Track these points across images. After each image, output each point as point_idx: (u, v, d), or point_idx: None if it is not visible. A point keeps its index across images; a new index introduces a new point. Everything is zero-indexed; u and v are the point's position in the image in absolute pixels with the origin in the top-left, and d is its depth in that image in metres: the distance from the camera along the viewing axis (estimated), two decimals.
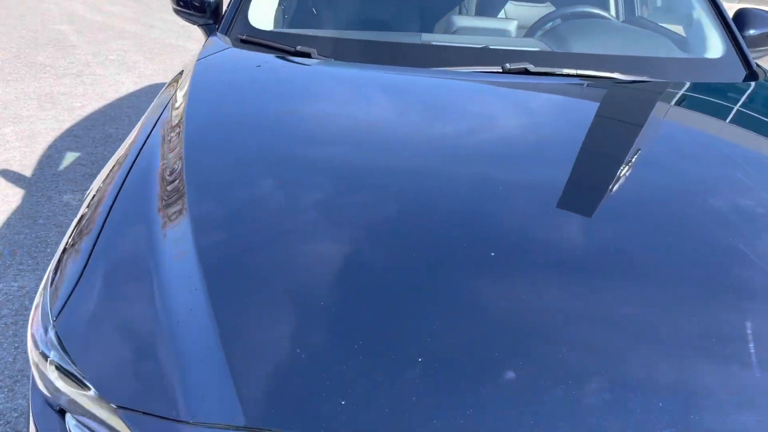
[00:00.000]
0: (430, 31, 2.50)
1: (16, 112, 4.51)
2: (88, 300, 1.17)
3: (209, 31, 2.37)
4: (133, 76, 5.50)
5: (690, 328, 1.11)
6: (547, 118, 1.86)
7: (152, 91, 4.89)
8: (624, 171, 1.53)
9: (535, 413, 0.96)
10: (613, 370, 1.03)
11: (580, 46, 2.27)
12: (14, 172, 3.68)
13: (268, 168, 1.51)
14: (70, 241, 1.35)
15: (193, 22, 2.46)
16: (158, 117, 1.70)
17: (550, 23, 2.56)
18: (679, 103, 2.03)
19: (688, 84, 2.09)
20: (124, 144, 1.71)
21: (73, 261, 1.27)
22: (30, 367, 1.22)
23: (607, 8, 2.98)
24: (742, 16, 2.44)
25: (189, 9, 2.42)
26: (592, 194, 1.48)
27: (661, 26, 2.63)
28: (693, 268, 1.26)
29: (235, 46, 2.11)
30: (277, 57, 2.04)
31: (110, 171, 1.55)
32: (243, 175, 1.47)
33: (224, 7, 2.41)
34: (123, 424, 1.00)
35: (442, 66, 2.02)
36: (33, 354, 1.16)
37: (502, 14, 2.89)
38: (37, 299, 1.24)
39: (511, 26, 2.39)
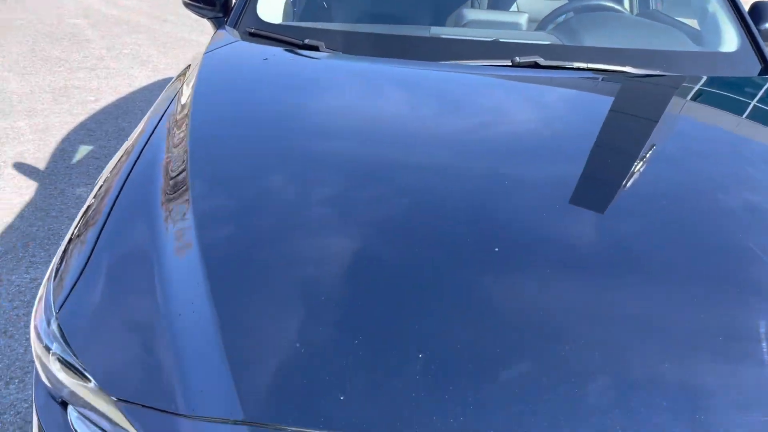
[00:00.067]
0: (441, 24, 2.48)
1: (30, 106, 4.55)
2: (91, 292, 1.18)
3: (218, 24, 2.37)
4: (147, 70, 5.52)
5: (700, 326, 1.09)
6: (557, 113, 1.84)
7: (165, 84, 4.91)
8: (636, 167, 1.51)
9: (536, 411, 0.95)
10: (621, 369, 1.02)
11: (592, 39, 2.23)
12: (28, 165, 3.71)
13: (272, 162, 1.51)
14: (75, 231, 1.36)
15: (203, 16, 2.46)
16: (165, 110, 1.70)
17: (563, 16, 2.53)
18: (692, 98, 2.00)
19: (702, 78, 2.06)
20: (132, 135, 1.71)
21: (78, 252, 1.27)
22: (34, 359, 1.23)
23: (620, 1, 2.94)
24: (758, 10, 2.39)
25: (199, 2, 2.42)
26: (603, 190, 1.46)
27: (676, 19, 2.59)
28: (705, 266, 1.23)
29: (243, 39, 2.11)
30: (285, 50, 2.03)
31: (117, 162, 1.56)
32: (247, 169, 1.47)
33: (233, 1, 2.41)
34: (123, 417, 1.00)
35: (452, 59, 2.00)
36: (36, 346, 1.17)
37: (514, 7, 2.86)
38: (41, 291, 1.25)
39: (522, 19, 2.36)
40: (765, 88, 2.05)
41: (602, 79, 1.98)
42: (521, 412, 0.95)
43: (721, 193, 1.48)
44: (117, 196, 1.38)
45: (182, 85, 1.84)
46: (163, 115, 1.68)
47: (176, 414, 0.97)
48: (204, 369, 1.01)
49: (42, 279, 2.71)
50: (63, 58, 5.68)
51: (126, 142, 1.71)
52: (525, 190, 1.43)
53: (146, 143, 1.55)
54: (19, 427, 2.05)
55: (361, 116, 1.74)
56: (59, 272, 1.25)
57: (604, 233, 1.32)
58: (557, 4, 2.64)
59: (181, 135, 1.54)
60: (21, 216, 3.18)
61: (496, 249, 1.21)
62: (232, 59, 2.04)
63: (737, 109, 1.98)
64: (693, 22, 2.54)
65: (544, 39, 2.24)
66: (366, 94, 1.88)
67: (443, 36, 2.20)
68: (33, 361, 2.27)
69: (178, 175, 1.40)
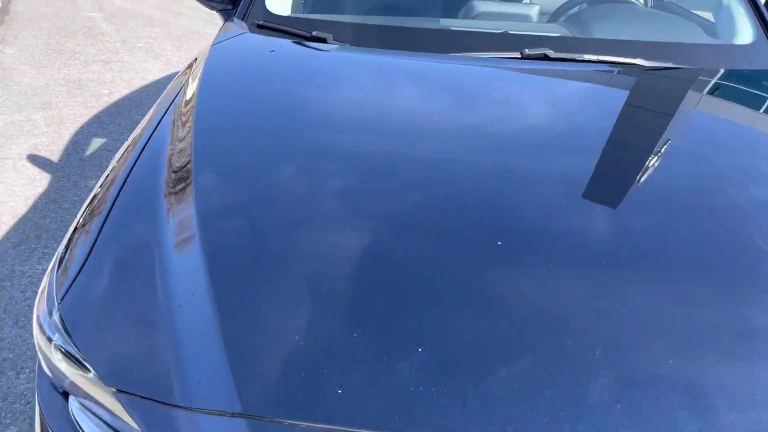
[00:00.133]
0: (450, 16, 2.46)
1: (45, 99, 4.59)
2: (92, 283, 1.18)
3: (227, 16, 2.36)
4: (160, 63, 5.55)
5: (711, 324, 1.07)
6: (568, 106, 1.81)
7: None
8: (649, 161, 1.48)
9: (537, 408, 0.93)
10: (627, 365, 1.00)
11: (603, 31, 2.20)
12: (42, 157, 3.74)
13: (276, 154, 1.50)
14: (81, 220, 1.37)
15: (212, 8, 2.45)
16: (171, 101, 1.70)
17: (576, 8, 2.50)
18: (706, 91, 1.96)
19: (716, 71, 2.02)
20: (139, 125, 1.72)
21: (83, 242, 1.28)
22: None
23: None
24: None
25: None
26: (615, 185, 1.43)
27: (690, 11, 2.54)
28: (719, 264, 1.20)
29: (251, 31, 2.10)
30: (293, 42, 2.02)
31: (124, 152, 1.56)
32: (250, 161, 1.46)
33: None
34: (122, 408, 1.01)
35: (461, 52, 1.98)
36: (38, 337, 1.17)
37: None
38: (44, 282, 1.25)
39: (533, 11, 2.33)
40: None
41: (614, 72, 1.95)
42: (522, 408, 0.94)
43: (735, 188, 1.45)
44: (121, 187, 1.38)
45: (189, 77, 1.84)
46: (169, 107, 1.68)
47: (174, 405, 0.97)
48: (203, 361, 1.01)
49: None
50: (78, 51, 5.71)
51: (134, 131, 1.72)
52: (533, 185, 1.41)
53: (152, 134, 1.56)
54: (30, 417, 2.08)
55: (368, 108, 1.73)
56: (64, 261, 1.26)
57: (617, 229, 1.29)
58: None
59: (186, 127, 1.54)
60: (34, 208, 3.21)
61: (500, 243, 1.20)
62: (239, 51, 2.04)
63: (752, 102, 1.94)
64: (709, 15, 2.50)
65: (554, 31, 2.21)
66: (373, 87, 1.87)
67: (453, 28, 2.18)
68: None
69: (181, 166, 1.40)
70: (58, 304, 1.15)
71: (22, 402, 2.11)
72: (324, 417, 0.93)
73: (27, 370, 2.23)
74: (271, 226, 1.27)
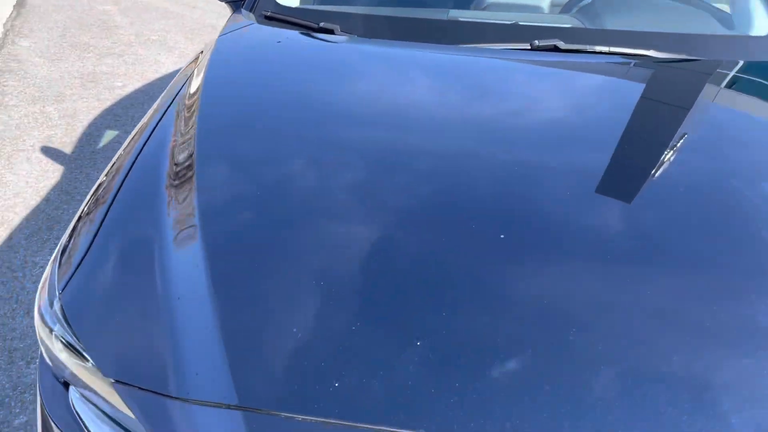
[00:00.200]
0: (460, 7, 2.43)
1: (59, 91, 4.62)
2: (93, 274, 1.18)
3: (235, 7, 2.36)
4: (174, 56, 5.56)
5: (724, 321, 1.04)
6: (578, 98, 1.78)
7: None
8: (663, 155, 1.44)
9: (537, 403, 0.92)
10: (635, 363, 0.98)
11: (615, 22, 2.17)
12: (55, 149, 3.77)
13: (278, 146, 1.49)
14: (85, 209, 1.37)
15: None
16: (177, 92, 1.70)
17: None
18: (721, 84, 1.92)
19: (732, 63, 1.98)
20: (146, 116, 1.71)
21: (86, 231, 1.28)
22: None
23: None
24: None
25: None
26: (630, 180, 1.39)
27: (705, 2, 2.49)
28: (734, 261, 1.17)
29: (258, 22, 2.09)
30: (300, 34, 2.01)
31: (130, 141, 1.56)
32: (253, 153, 1.45)
33: None
34: (119, 399, 1.01)
35: (470, 43, 1.96)
36: (39, 327, 1.18)
37: None
38: (46, 272, 1.26)
39: (544, 2, 2.30)
40: None
41: (626, 64, 1.92)
42: (522, 403, 0.92)
43: (751, 184, 1.41)
44: (125, 178, 1.38)
45: (195, 68, 1.84)
46: (174, 98, 1.67)
47: (171, 397, 0.96)
48: (201, 353, 1.00)
49: None
50: (92, 44, 5.75)
51: (140, 122, 1.72)
52: (542, 178, 1.38)
53: (157, 125, 1.55)
54: None
55: (374, 100, 1.71)
56: (67, 250, 1.26)
57: (630, 225, 1.25)
58: None
59: (190, 118, 1.53)
60: (47, 199, 3.24)
61: (503, 236, 1.18)
62: (246, 42, 2.03)
63: None
64: (725, 7, 2.45)
65: (565, 22, 2.18)
66: (380, 78, 1.85)
67: (462, 19, 2.16)
68: None
69: (184, 158, 1.39)
70: (60, 294, 1.15)
71: (32, 392, 2.13)
72: (321, 410, 0.92)
73: (37, 361, 2.25)
74: (272, 219, 1.26)
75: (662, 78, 1.92)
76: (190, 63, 2.03)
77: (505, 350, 0.98)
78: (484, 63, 1.91)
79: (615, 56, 1.91)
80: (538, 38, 1.92)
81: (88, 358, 1.05)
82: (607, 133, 1.54)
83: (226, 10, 7.11)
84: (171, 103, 1.65)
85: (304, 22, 2.03)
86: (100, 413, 1.06)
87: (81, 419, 1.08)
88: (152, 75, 5.06)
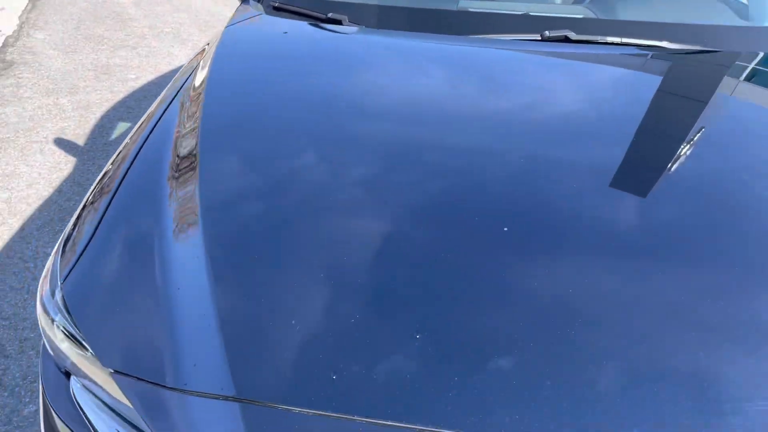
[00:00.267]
0: None
1: (73, 83, 4.65)
2: (95, 264, 1.18)
3: None
4: (187, 48, 5.57)
5: (739, 319, 1.01)
6: (590, 91, 1.75)
7: None
8: (678, 149, 1.41)
9: (536, 400, 0.90)
10: (640, 359, 0.95)
11: (628, 12, 2.13)
12: (68, 141, 3.79)
13: (278, 139, 1.48)
14: (90, 198, 1.37)
15: None
16: (183, 83, 1.70)
17: None
18: (736, 75, 1.88)
19: (749, 54, 1.93)
20: (152, 106, 1.71)
21: (89, 221, 1.28)
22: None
23: None
24: None
25: None
26: (641, 174, 1.36)
27: None
28: (751, 259, 1.14)
29: (267, 13, 2.08)
30: (308, 24, 2.00)
31: (136, 130, 1.56)
32: (254, 146, 1.44)
33: None
34: (118, 389, 1.00)
35: (479, 33, 1.93)
36: (41, 317, 1.18)
37: None
38: (49, 262, 1.26)
39: None
40: None
41: (639, 55, 1.88)
42: (521, 399, 0.91)
43: (763, 181, 1.37)
44: (129, 168, 1.38)
45: (201, 60, 1.83)
46: (180, 88, 1.67)
47: (169, 388, 0.96)
48: (199, 345, 1.00)
49: None
50: (106, 36, 5.77)
51: (147, 111, 1.72)
52: (557, 172, 1.34)
53: (161, 116, 1.55)
54: None
55: (380, 92, 1.70)
56: (71, 239, 1.26)
57: (645, 221, 1.22)
58: None
59: (195, 110, 1.52)
60: (59, 190, 3.26)
61: (506, 229, 1.16)
62: (252, 33, 2.02)
63: None
64: None
65: (576, 12, 2.15)
66: (387, 69, 1.83)
67: (471, 9, 2.13)
68: None
69: (187, 150, 1.39)
70: (61, 284, 1.15)
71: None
72: (318, 403, 0.91)
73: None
74: (273, 212, 1.25)
75: (677, 70, 1.88)
76: (197, 54, 2.02)
77: (506, 345, 0.97)
78: (494, 54, 1.88)
79: (628, 47, 1.88)
80: (549, 29, 1.89)
81: (88, 348, 1.05)
82: (620, 127, 1.51)
83: (237, 2, 7.10)
84: (176, 95, 1.64)
85: (312, 13, 2.01)
86: (100, 403, 1.06)
87: (81, 409, 1.08)
88: (165, 67, 5.07)
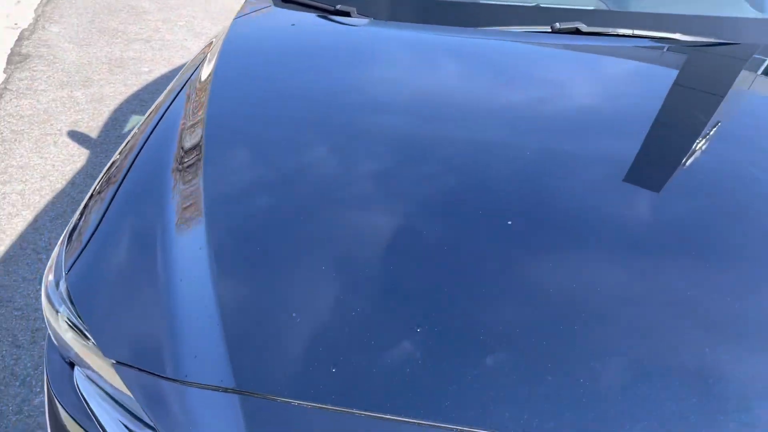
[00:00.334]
0: None
1: (87, 76, 4.68)
2: (99, 255, 1.19)
3: None
4: (200, 41, 5.58)
5: (749, 317, 1.00)
6: (602, 84, 1.73)
7: None
8: (691, 145, 1.38)
9: (536, 395, 0.89)
10: (644, 356, 0.94)
11: (640, 4, 2.10)
12: (81, 133, 3.82)
13: (282, 132, 1.47)
14: (97, 188, 1.37)
15: None
16: (190, 75, 1.70)
17: None
18: (752, 69, 1.84)
19: (763, 47, 1.90)
20: (160, 96, 1.71)
21: (96, 210, 1.29)
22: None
23: None
24: None
25: None
26: (654, 170, 1.33)
27: None
28: (765, 256, 1.12)
29: (275, 5, 2.08)
30: (316, 16, 1.99)
31: (144, 120, 1.57)
32: (259, 140, 1.44)
33: None
34: (120, 379, 1.01)
35: (488, 25, 1.91)
36: (45, 307, 1.19)
37: None
38: (54, 253, 1.27)
39: None
40: None
41: (651, 48, 1.85)
42: (522, 394, 0.90)
43: None
44: (135, 158, 1.38)
45: (209, 52, 1.83)
46: (188, 80, 1.67)
47: (168, 378, 0.96)
48: (200, 336, 1.00)
49: None
50: (120, 29, 5.80)
51: (155, 102, 1.72)
52: (569, 166, 1.32)
53: (168, 107, 1.55)
54: None
55: (388, 86, 1.68)
56: (77, 229, 1.27)
57: (662, 218, 1.20)
58: None
59: (201, 102, 1.52)
60: (72, 182, 3.28)
61: (509, 222, 1.15)
62: (260, 25, 2.01)
63: None
64: None
65: (588, 4, 2.12)
66: (395, 63, 1.82)
67: (480, 1, 2.11)
68: None
69: (192, 142, 1.39)
70: (66, 275, 1.16)
71: None
72: (317, 396, 0.91)
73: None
74: (276, 205, 1.25)
75: (691, 63, 1.85)
76: (206, 46, 2.03)
77: (507, 339, 0.96)
78: (504, 47, 1.86)
79: (640, 40, 1.85)
80: (560, 21, 1.86)
81: (91, 338, 1.06)
82: (633, 121, 1.49)
83: None
84: (183, 87, 1.64)
85: (321, 5, 2.00)
86: (103, 393, 1.06)
87: (85, 399, 1.09)
88: (179, 60, 5.09)
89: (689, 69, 1.84)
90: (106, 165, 3.38)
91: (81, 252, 1.19)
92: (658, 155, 1.38)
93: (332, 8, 1.98)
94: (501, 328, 0.97)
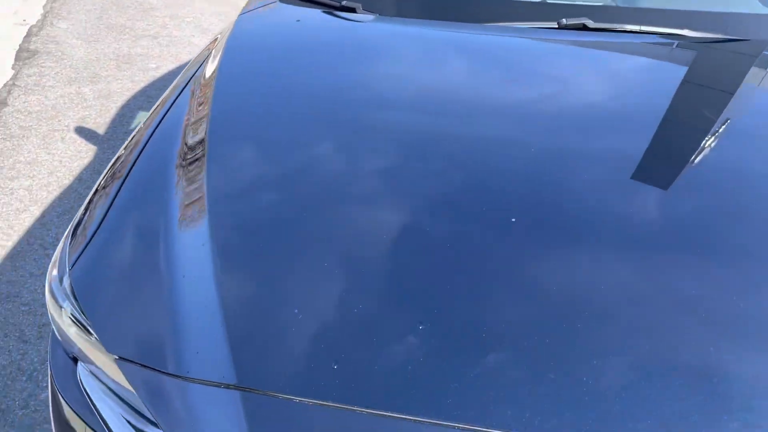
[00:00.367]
0: None
1: (95, 72, 4.69)
2: (102, 250, 1.19)
3: None
4: (207, 38, 5.59)
5: (756, 316, 0.98)
6: (609, 82, 1.71)
7: None
8: (703, 143, 1.36)
9: (537, 394, 0.89)
10: (646, 354, 0.93)
11: (649, 0, 2.08)
12: (89, 129, 3.83)
13: (286, 129, 1.47)
14: (102, 182, 1.38)
15: None
16: (195, 71, 1.69)
17: None
18: (762, 65, 1.82)
19: None
20: (166, 92, 1.72)
21: (100, 206, 1.29)
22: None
23: None
24: None
25: None
26: (662, 168, 1.32)
27: None
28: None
29: (281, 1, 2.07)
30: (321, 12, 1.98)
31: (150, 115, 1.57)
32: (263, 136, 1.44)
33: None
34: (123, 375, 1.01)
35: (494, 21, 1.90)
36: (49, 303, 1.19)
37: None
38: (58, 249, 1.27)
39: None
40: None
41: (660, 44, 1.84)
42: (522, 392, 0.89)
43: None
44: (140, 153, 1.38)
45: (213, 48, 1.83)
46: (192, 76, 1.67)
47: (170, 374, 0.96)
48: (203, 332, 1.00)
49: None
50: (128, 26, 5.81)
51: (161, 97, 1.72)
52: (576, 164, 1.31)
53: (173, 103, 1.55)
54: None
55: (393, 82, 1.67)
56: (81, 224, 1.27)
57: (668, 215, 1.19)
58: None
59: (205, 98, 1.52)
60: (79, 178, 3.30)
61: (513, 220, 1.14)
62: (265, 21, 2.01)
63: None
64: None
65: (596, 0, 2.10)
66: (401, 57, 1.81)
67: None
68: None
69: (196, 138, 1.38)
70: (69, 270, 1.16)
71: None
72: (319, 393, 0.91)
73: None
74: (279, 201, 1.24)
75: (700, 59, 1.83)
76: (211, 42, 2.03)
77: (509, 337, 0.95)
78: (510, 43, 1.85)
79: (648, 36, 1.83)
80: (567, 16, 1.85)
81: (94, 334, 1.06)
82: (640, 118, 1.48)
83: None
84: (188, 83, 1.64)
85: (326, 0, 2.00)
86: (105, 389, 1.07)
87: (88, 394, 1.09)
88: (186, 57, 5.10)
89: (698, 66, 1.82)
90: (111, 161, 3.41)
91: (85, 247, 1.19)
92: (666, 153, 1.37)
93: (338, 4, 1.97)
94: (503, 326, 0.97)
